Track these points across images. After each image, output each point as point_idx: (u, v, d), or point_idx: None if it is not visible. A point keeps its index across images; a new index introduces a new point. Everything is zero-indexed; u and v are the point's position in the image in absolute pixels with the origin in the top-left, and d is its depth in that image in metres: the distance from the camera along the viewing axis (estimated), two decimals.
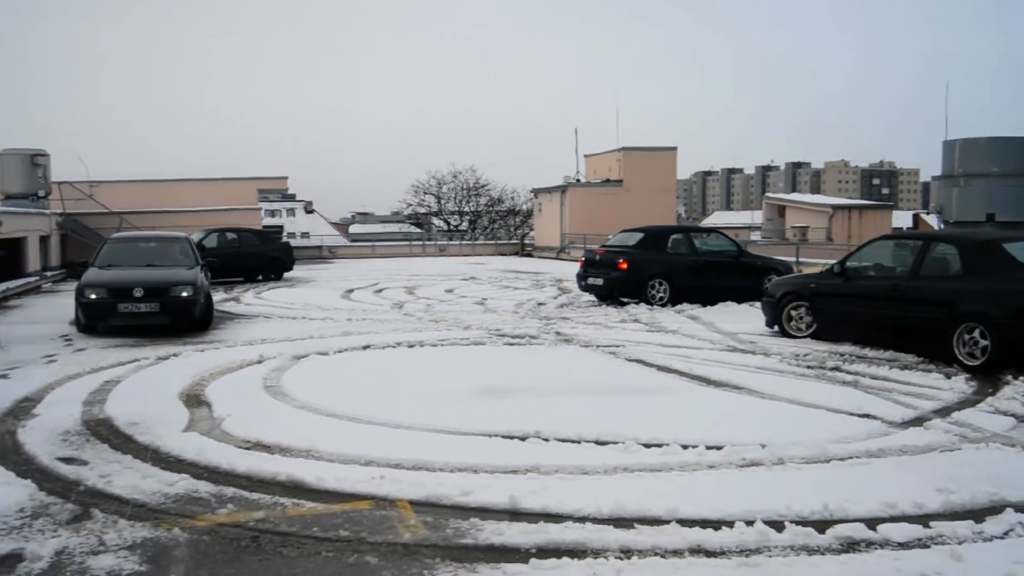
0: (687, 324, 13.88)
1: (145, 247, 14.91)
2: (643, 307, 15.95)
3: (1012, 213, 15.20)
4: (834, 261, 12.68)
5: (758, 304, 16.58)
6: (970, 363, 9.74)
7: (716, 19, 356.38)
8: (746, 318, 14.48)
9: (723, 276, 17.17)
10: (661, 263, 16.89)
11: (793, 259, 21.12)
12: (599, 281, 17.20)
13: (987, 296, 9.83)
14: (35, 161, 27.22)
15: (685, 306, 15.96)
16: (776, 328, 12.60)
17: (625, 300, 16.98)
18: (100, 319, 12.76)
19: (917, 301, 10.60)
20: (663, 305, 16.27)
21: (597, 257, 17.64)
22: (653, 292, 16.57)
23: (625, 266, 16.74)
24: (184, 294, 12.80)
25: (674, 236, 17.88)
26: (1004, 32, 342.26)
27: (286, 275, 25.87)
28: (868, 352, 10.86)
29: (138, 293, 12.55)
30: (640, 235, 17.82)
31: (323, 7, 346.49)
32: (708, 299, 16.40)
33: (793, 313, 12.34)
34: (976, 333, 9.76)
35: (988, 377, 9.35)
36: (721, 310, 15.77)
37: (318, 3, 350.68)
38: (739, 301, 16.45)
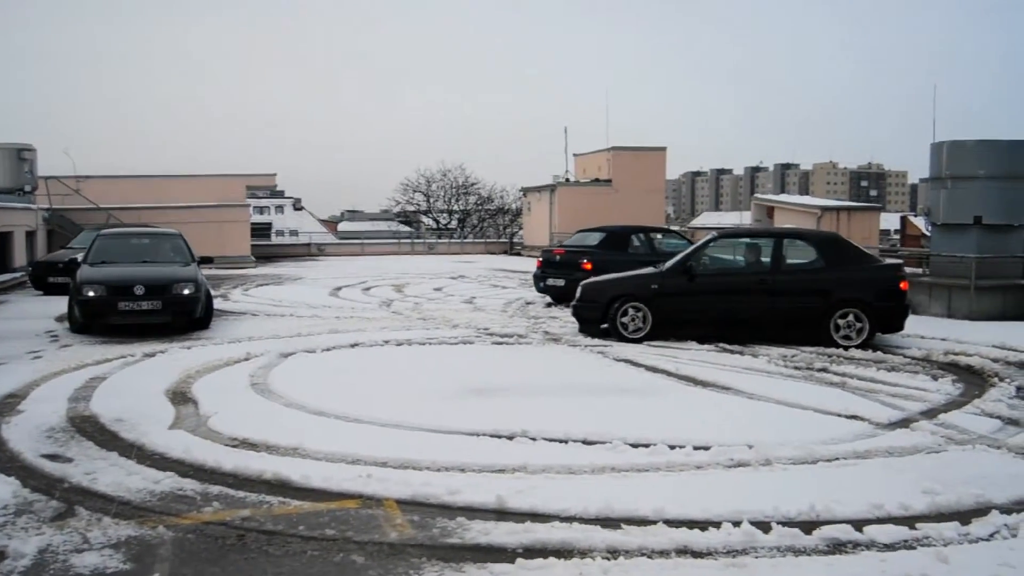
0: None
1: (138, 243, 14.69)
2: None
3: (1000, 216, 15.26)
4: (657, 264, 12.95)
5: None
6: (845, 344, 11.19)
7: (707, 20, 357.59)
8: None
9: None
10: (624, 263, 16.35)
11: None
12: (560, 282, 16.73)
13: (859, 284, 11.47)
14: (22, 156, 27.03)
15: None
16: (592, 331, 12.38)
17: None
18: (99, 317, 12.40)
19: (786, 293, 11.63)
20: None
21: (557, 258, 17.31)
22: None
23: (589, 267, 16.31)
24: (186, 292, 12.62)
25: (636, 236, 17.60)
26: (992, 35, 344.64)
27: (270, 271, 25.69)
28: (753, 350, 10.95)
29: (139, 291, 12.28)
30: (601, 235, 17.49)
31: (314, 4, 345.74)
32: None
33: (628, 314, 11.94)
34: (851, 317, 11.28)
35: (975, 378, 9.40)
36: None
37: (310, 0, 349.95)
38: None
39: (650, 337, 11.82)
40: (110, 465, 6.06)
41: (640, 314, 11.92)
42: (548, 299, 17.62)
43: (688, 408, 8.04)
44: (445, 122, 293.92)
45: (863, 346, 11.19)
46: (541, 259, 18.00)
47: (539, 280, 17.47)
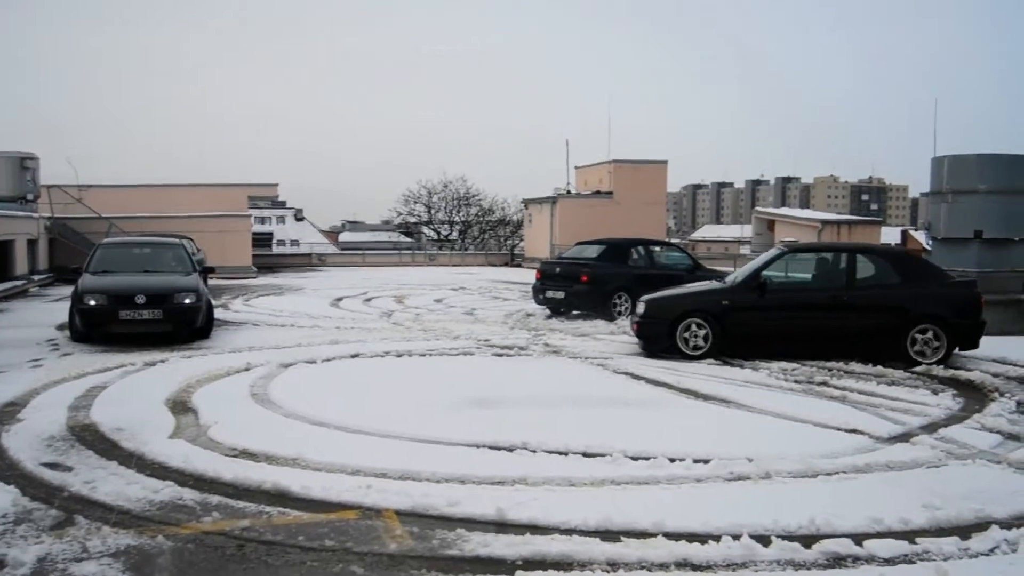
0: None
1: (140, 252, 14.67)
2: (626, 320, 15.70)
3: (1000, 230, 15.28)
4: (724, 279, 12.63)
5: None
6: (921, 360, 11.03)
7: (709, 34, 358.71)
8: None
9: None
10: (623, 276, 16.49)
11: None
12: (559, 294, 16.72)
13: (938, 300, 11.33)
14: (24, 164, 27.05)
15: None
16: (656, 350, 11.72)
17: (578, 313, 16.78)
18: (99, 326, 12.40)
19: (862, 309, 11.43)
20: (626, 319, 15.70)
21: (556, 270, 17.28)
22: (615, 306, 16.19)
23: (586, 279, 16.31)
24: (187, 301, 12.63)
25: (635, 249, 17.53)
26: (993, 50, 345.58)
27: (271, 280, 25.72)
28: (843, 366, 10.83)
29: (140, 300, 12.27)
30: (601, 247, 17.41)
31: (318, 14, 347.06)
32: None
33: (691, 331, 11.51)
34: (930, 333, 11.10)
35: (975, 393, 9.40)
36: None
37: (312, 10, 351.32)
38: None
39: (714, 354, 11.36)
40: (110, 474, 6.05)
41: (703, 331, 11.47)
42: (548, 311, 17.59)
43: (688, 421, 8.04)
44: (447, 133, 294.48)
45: (941, 362, 11.00)
46: (540, 271, 17.93)
47: (538, 292, 17.41)
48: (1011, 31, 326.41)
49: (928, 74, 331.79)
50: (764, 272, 11.84)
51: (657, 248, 18.19)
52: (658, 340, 11.77)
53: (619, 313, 16.14)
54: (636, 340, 12.85)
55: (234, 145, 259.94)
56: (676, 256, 18.06)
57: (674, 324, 11.55)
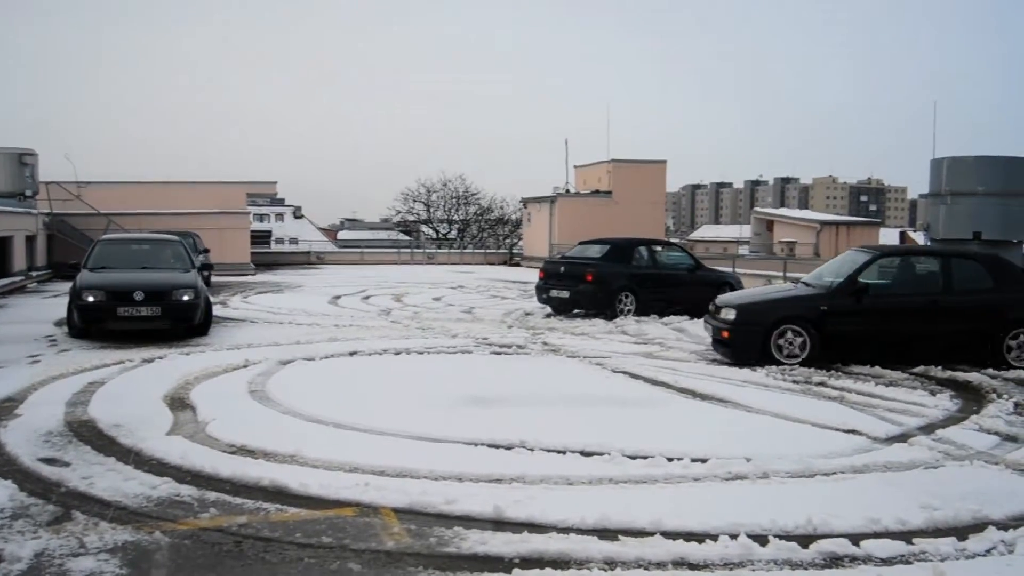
0: (673, 336, 13.88)
1: (138, 249, 14.67)
2: (629, 319, 15.79)
3: (999, 232, 15.33)
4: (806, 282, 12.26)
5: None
6: (1016, 365, 10.98)
7: (708, 34, 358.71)
8: None
9: (681, 289, 16.89)
10: (628, 276, 16.55)
11: (748, 272, 21.35)
12: (564, 294, 16.70)
13: None
14: (23, 160, 27.06)
15: (672, 318, 15.89)
16: (749, 360, 11.03)
17: (578, 312, 16.85)
18: (97, 322, 12.39)
19: (958, 313, 11.25)
20: (628, 318, 15.92)
21: (561, 269, 17.29)
22: (621, 305, 16.26)
23: (592, 279, 16.34)
24: (186, 298, 12.62)
25: (638, 248, 17.54)
26: (992, 52, 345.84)
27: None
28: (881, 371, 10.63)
29: (139, 296, 12.27)
30: (605, 247, 17.41)
31: (316, 12, 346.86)
32: (667, 312, 16.18)
33: (785, 338, 11.02)
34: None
35: (973, 394, 9.41)
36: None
37: (312, 8, 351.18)
38: (693, 314, 16.15)
39: (810, 362, 10.85)
40: (107, 470, 6.05)
41: (800, 338, 10.95)
42: (548, 310, 17.59)
43: (686, 420, 8.05)
44: (446, 132, 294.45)
45: None
46: (543, 270, 17.93)
47: (542, 291, 17.41)
48: (1010, 34, 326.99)
49: (927, 76, 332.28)
50: (864, 277, 11.38)
51: (659, 248, 18.21)
52: (751, 348, 11.08)
53: (623, 312, 16.20)
54: (633, 339, 12.83)
55: (233, 142, 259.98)
56: (678, 256, 18.08)
57: (769, 331, 11.02)
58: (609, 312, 16.16)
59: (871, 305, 11.24)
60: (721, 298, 12.21)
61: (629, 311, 16.17)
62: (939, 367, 10.78)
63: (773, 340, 10.96)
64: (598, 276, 16.40)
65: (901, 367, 10.83)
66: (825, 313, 11.07)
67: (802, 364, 10.82)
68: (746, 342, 11.12)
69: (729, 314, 11.36)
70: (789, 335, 10.96)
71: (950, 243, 15.99)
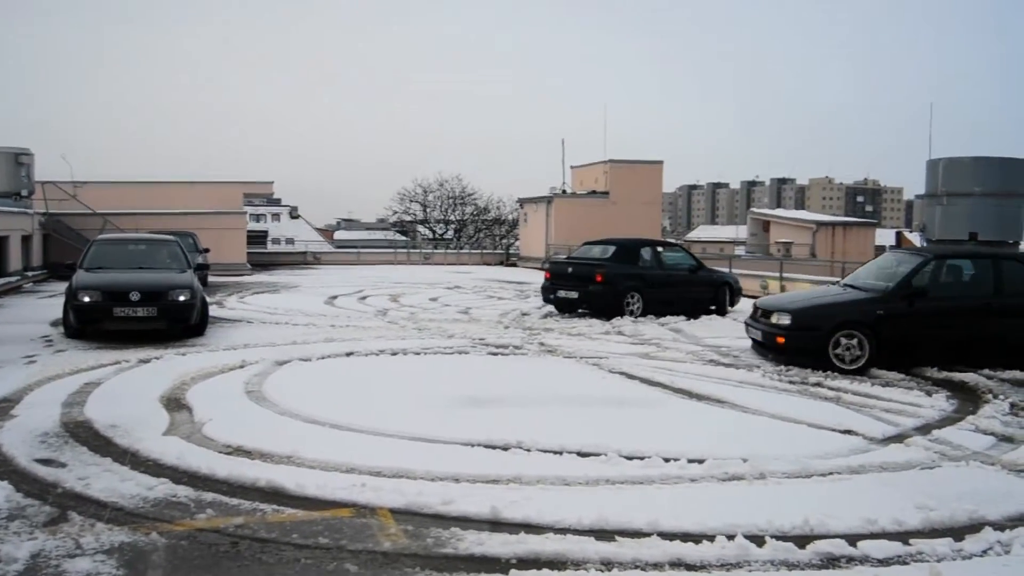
0: (669, 336, 13.89)
1: (134, 249, 14.63)
2: (625, 320, 15.81)
3: (994, 232, 15.37)
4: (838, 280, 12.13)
5: (725, 317, 16.68)
6: None
7: (706, 35, 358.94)
8: (725, 331, 14.47)
9: (683, 289, 17.03)
10: (635, 276, 16.62)
11: (744, 272, 21.45)
12: (573, 294, 16.73)
13: None
14: (19, 160, 27.02)
15: (669, 319, 15.91)
16: (808, 363, 10.84)
17: (575, 313, 16.89)
18: (93, 323, 12.35)
19: (1011, 316, 11.13)
20: (635, 318, 15.99)
21: (568, 270, 17.30)
22: (629, 305, 16.33)
23: (601, 279, 16.38)
24: (182, 298, 12.60)
25: (644, 249, 17.62)
26: (988, 54, 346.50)
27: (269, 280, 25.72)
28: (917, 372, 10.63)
29: (135, 297, 12.23)
30: (612, 248, 17.45)
31: (316, 12, 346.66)
32: (669, 312, 16.26)
33: (842, 343, 10.74)
34: None
35: (969, 395, 9.42)
36: (704, 323, 15.80)
37: (312, 8, 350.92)
38: (692, 314, 16.33)
39: (870, 367, 10.67)
40: (103, 471, 6.04)
41: (854, 341, 10.74)
42: (545, 310, 17.64)
43: (683, 421, 8.05)
44: (445, 132, 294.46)
45: None
46: (549, 271, 17.94)
47: (548, 292, 17.42)
48: (1008, 35, 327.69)
49: (924, 77, 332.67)
50: (919, 280, 11.28)
51: (662, 248, 18.33)
52: (810, 353, 10.89)
53: (630, 313, 16.26)
54: (629, 340, 12.82)
55: (230, 142, 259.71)
56: (679, 256, 18.16)
57: (829, 335, 10.79)
58: (617, 312, 16.23)
59: (924, 307, 11.11)
60: (765, 301, 12.10)
61: (636, 311, 16.28)
62: (995, 368, 10.82)
63: (832, 345, 10.77)
64: (608, 277, 16.44)
65: (960, 368, 10.77)
66: (881, 317, 10.94)
67: (863, 368, 10.64)
68: (805, 347, 10.98)
69: (783, 319, 11.20)
70: (844, 340, 10.77)
71: (945, 244, 16.01)
